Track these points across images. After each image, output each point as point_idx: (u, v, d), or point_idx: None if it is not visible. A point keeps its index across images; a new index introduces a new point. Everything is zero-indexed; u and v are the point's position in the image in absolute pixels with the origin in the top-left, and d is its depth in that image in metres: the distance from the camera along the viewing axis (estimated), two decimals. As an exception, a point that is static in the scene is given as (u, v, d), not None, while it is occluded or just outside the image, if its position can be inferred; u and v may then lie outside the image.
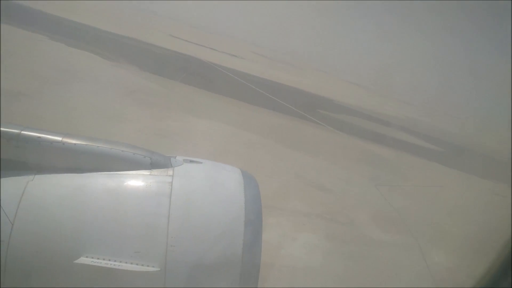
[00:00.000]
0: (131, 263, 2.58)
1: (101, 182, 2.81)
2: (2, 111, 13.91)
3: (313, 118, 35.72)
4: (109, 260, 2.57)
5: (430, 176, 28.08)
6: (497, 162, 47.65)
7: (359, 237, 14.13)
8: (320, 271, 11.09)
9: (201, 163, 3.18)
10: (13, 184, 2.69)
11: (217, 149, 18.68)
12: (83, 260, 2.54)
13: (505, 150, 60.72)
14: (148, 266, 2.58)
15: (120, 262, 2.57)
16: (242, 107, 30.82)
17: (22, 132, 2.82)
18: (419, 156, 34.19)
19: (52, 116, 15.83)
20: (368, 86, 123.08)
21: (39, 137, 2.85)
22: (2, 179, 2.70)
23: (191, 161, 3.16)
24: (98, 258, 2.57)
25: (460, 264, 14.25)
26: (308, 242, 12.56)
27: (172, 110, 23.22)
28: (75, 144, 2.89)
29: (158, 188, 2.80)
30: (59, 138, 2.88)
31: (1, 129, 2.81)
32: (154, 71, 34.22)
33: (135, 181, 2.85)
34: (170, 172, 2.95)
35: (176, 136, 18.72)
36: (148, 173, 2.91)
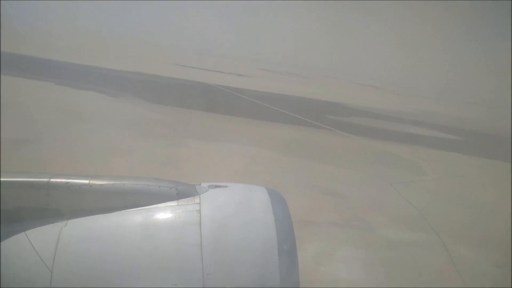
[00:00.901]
0: None
1: (131, 219, 2.84)
2: (14, 158, 14.28)
3: (323, 124, 35.44)
4: None
5: (449, 167, 27.29)
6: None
7: (377, 240, 13.68)
8: (337, 279, 10.74)
9: (226, 186, 3.20)
10: (47, 232, 2.75)
11: (228, 170, 18.66)
12: None
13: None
14: None
15: None
16: (251, 124, 30.85)
17: (51, 180, 2.89)
18: (436, 148, 33.38)
19: (60, 159, 16.10)
20: (377, 85, 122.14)
21: (67, 182, 2.91)
22: (36, 229, 2.76)
23: (216, 186, 3.17)
24: None
25: (486, 259, 13.61)
26: (326, 251, 12.21)
27: (177, 137, 23.39)
28: (102, 184, 2.95)
29: (187, 217, 2.83)
30: (86, 181, 2.94)
31: (31, 179, 2.89)
32: (160, 101, 34.76)
33: (164, 213, 2.88)
34: (197, 200, 2.97)
35: (185, 163, 18.74)
36: (176, 204, 2.95)
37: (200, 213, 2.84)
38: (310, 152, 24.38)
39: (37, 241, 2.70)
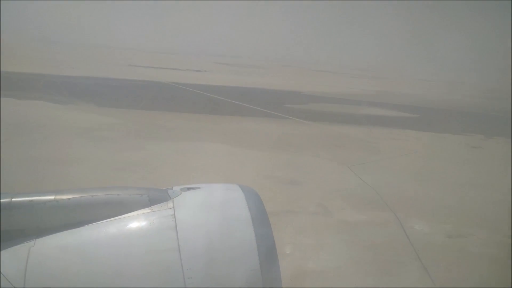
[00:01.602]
0: None
1: (104, 231, 2.74)
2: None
3: (280, 114, 35.52)
4: None
5: (404, 144, 28.01)
6: (468, 115, 48.33)
7: (334, 223, 13.75)
8: (296, 267, 10.67)
9: (199, 188, 3.12)
10: (14, 254, 2.59)
11: (186, 169, 18.25)
12: None
13: (473, 103, 61.99)
14: None
15: None
16: (207, 120, 30.46)
17: (12, 199, 2.75)
18: (392, 127, 34.24)
19: (8, 176, 15.13)
20: (334, 70, 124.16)
21: (31, 200, 2.77)
22: (1, 252, 2.58)
23: (189, 189, 3.08)
24: None
25: (439, 231, 13.98)
26: (284, 240, 12.11)
27: (130, 140, 22.69)
28: (69, 199, 2.82)
29: (162, 223, 2.75)
30: (51, 197, 2.81)
31: None
32: (112, 105, 33.70)
33: (138, 222, 2.78)
34: (170, 204, 2.88)
35: (140, 167, 18.14)
36: (149, 211, 2.85)
37: (175, 217, 2.76)
38: (267, 143, 24.28)
39: (5, 265, 2.53)
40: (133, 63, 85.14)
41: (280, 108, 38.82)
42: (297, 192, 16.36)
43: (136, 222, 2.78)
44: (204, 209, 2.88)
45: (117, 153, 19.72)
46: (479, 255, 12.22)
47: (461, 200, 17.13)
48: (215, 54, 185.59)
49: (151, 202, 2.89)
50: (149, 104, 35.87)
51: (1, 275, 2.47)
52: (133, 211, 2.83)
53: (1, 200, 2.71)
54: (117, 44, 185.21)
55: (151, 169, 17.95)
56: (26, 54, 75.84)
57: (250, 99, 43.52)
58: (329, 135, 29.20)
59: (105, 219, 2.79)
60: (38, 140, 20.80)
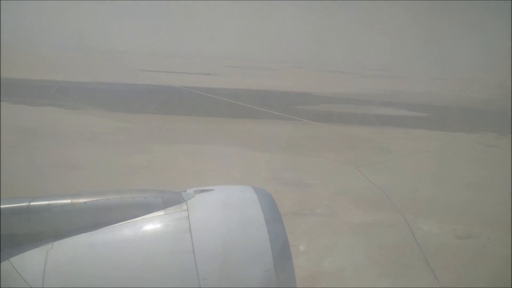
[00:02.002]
0: None
1: (119, 233, 2.81)
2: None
3: (290, 115, 35.44)
4: None
5: (415, 144, 27.64)
6: (481, 113, 47.48)
7: (340, 225, 13.62)
8: (302, 270, 10.58)
9: (212, 190, 3.18)
10: (33, 257, 2.68)
11: (194, 171, 18.33)
12: None
13: (486, 100, 60.92)
14: None
15: None
16: (216, 123, 30.55)
17: (31, 203, 2.84)
18: (403, 126, 33.84)
19: (16, 181, 15.39)
20: (345, 70, 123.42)
21: (49, 204, 2.86)
22: (21, 255, 2.68)
23: (202, 191, 3.16)
24: None
25: (447, 231, 13.72)
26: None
27: (139, 144, 22.88)
28: (85, 202, 2.90)
29: (176, 225, 2.82)
30: (68, 201, 2.90)
31: (10, 205, 2.80)
32: (122, 110, 34.06)
33: (152, 224, 2.86)
34: (184, 206, 2.95)
35: (148, 170, 18.29)
36: (163, 213, 2.92)
37: (189, 219, 2.82)
38: (275, 145, 24.21)
39: (24, 267, 2.62)
40: (144, 67, 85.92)
41: (290, 110, 38.75)
42: (303, 194, 16.24)
43: (151, 224, 2.83)
44: (218, 211, 2.91)
45: (125, 157, 19.92)
46: (488, 256, 11.97)
47: (473, 200, 16.78)
48: (225, 56, 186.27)
49: (165, 204, 2.94)
50: (160, 108, 36.20)
51: (21, 277, 2.54)
52: (148, 213, 2.89)
53: (20, 205, 2.80)
54: (127, 48, 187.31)
55: (158, 172, 18.06)
56: (36, 60, 77.08)
57: (260, 101, 43.55)
58: (339, 136, 29.02)
59: (121, 221, 2.85)
60: (50, 145, 21.13)
